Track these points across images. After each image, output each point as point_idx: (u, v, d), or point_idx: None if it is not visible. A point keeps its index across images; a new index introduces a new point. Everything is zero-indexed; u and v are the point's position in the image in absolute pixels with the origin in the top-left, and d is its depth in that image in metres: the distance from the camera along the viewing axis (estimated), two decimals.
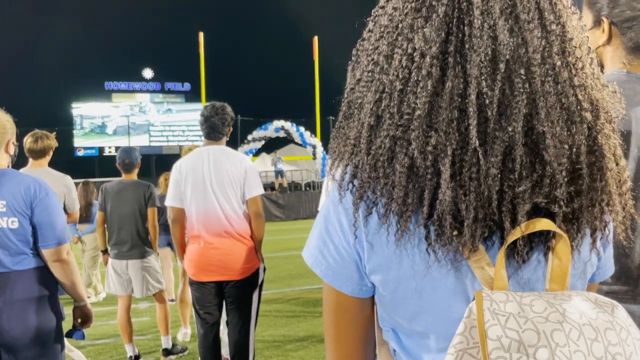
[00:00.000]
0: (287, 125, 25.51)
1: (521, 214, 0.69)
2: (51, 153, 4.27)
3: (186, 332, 5.09)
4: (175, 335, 5.03)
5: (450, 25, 0.71)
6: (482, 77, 0.68)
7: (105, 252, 4.61)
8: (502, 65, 0.68)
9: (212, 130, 3.49)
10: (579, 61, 0.73)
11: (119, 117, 32.71)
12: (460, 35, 0.70)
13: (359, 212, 0.77)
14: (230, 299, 3.47)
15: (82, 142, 32.07)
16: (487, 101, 0.68)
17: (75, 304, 2.53)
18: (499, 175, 0.68)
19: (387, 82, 0.75)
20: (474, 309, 0.67)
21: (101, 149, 32.14)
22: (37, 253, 2.33)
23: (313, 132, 24.33)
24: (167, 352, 4.59)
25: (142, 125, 33.25)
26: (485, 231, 0.70)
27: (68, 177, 4.31)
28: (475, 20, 0.70)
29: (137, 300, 5.75)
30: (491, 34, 0.69)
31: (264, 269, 3.55)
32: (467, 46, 0.70)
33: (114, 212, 4.44)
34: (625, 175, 0.78)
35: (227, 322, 3.56)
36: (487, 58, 0.69)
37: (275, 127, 25.41)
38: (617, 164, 0.76)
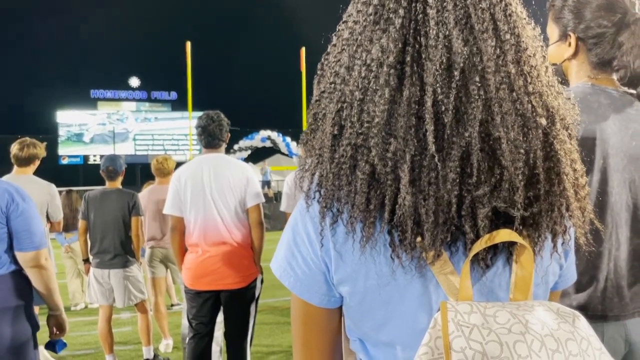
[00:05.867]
0: (274, 135, 25.53)
1: (481, 217, 0.71)
2: (37, 162, 4.24)
3: (168, 343, 5.03)
4: (157, 346, 4.98)
5: (407, 36, 0.73)
6: (438, 85, 0.71)
7: (86, 261, 4.56)
8: (456, 73, 0.71)
9: (211, 139, 3.48)
10: (534, 69, 0.76)
11: (104, 126, 32.49)
12: (416, 46, 0.73)
13: (326, 221, 0.78)
14: (228, 309, 3.44)
15: (67, 150, 31.79)
16: (443, 108, 0.70)
17: (50, 312, 2.47)
18: (458, 180, 0.70)
19: (348, 92, 0.77)
20: (439, 319, 0.68)
21: (86, 157, 31.85)
22: (12, 261, 2.29)
23: (299, 142, 24.30)
24: None
25: (128, 134, 33.04)
26: (447, 236, 0.72)
27: (52, 186, 4.28)
28: (431, 31, 0.72)
29: (119, 310, 5.69)
30: (446, 44, 0.71)
31: (262, 281, 3.53)
32: (423, 56, 0.72)
33: (97, 220, 4.39)
34: (583, 180, 0.81)
35: (224, 335, 3.54)
36: (442, 67, 0.71)
37: (262, 136, 25.42)
38: (573, 169, 0.79)
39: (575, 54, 1.56)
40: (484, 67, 0.71)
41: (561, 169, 0.75)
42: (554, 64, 1.61)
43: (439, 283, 0.75)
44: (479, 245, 0.71)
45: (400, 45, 0.73)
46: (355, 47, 0.78)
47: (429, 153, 0.70)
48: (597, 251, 1.42)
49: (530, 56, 0.76)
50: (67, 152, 31.76)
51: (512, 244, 0.75)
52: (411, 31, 0.73)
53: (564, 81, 1.64)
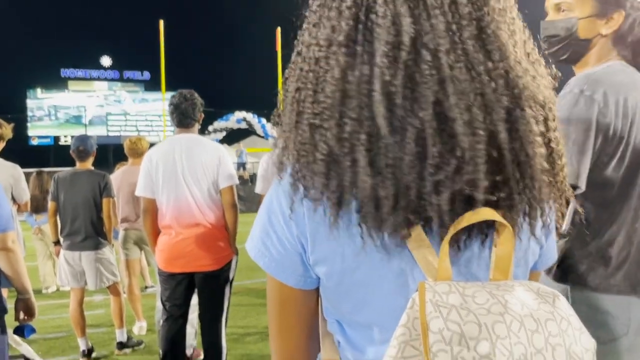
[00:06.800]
0: (249, 116, 25.36)
1: (443, 201, 0.68)
2: (2, 143, 4.12)
3: (142, 326, 4.99)
4: (130, 328, 4.93)
5: (359, 14, 0.72)
6: (385, 66, 0.69)
7: (57, 243, 4.47)
8: (403, 54, 0.68)
9: (183, 117, 3.39)
10: (502, 45, 0.71)
11: (75, 106, 31.82)
12: (369, 24, 0.71)
13: (297, 197, 0.76)
14: (202, 291, 3.40)
15: (37, 131, 31.09)
16: (392, 89, 0.68)
17: (19, 296, 2.39)
18: (414, 163, 0.68)
19: (305, 71, 0.76)
20: (417, 300, 0.66)
21: (56, 138, 31.23)
22: None
23: (275, 124, 24.16)
24: (121, 346, 4.49)
25: (100, 115, 32.43)
26: (412, 217, 0.69)
27: (17, 168, 4.17)
28: (379, 9, 0.70)
29: (91, 293, 5.62)
30: (394, 21, 0.69)
31: (236, 262, 3.49)
32: (373, 35, 0.70)
33: (67, 201, 4.30)
34: (562, 162, 0.77)
35: (199, 317, 3.51)
36: (389, 46, 0.69)
37: (237, 118, 25.23)
38: (550, 151, 0.75)
39: (614, 32, 1.56)
40: (437, 45, 0.69)
41: (530, 150, 0.72)
42: (584, 40, 1.58)
43: (417, 264, 0.73)
44: (458, 225, 0.69)
45: (351, 23, 0.72)
46: (313, 26, 0.77)
47: (381, 135, 0.69)
48: (632, 228, 1.47)
49: (495, 31, 0.72)
50: (37, 132, 31.07)
51: (489, 226, 0.73)
52: (363, 9, 0.72)
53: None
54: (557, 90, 0.81)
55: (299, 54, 0.79)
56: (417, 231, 0.71)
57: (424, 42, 0.69)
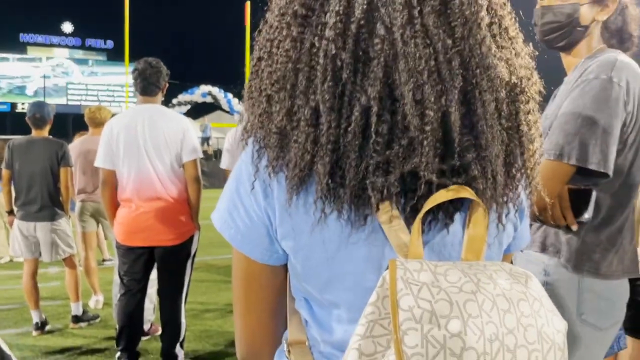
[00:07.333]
0: (215, 90, 24.96)
1: (391, 182, 0.66)
2: None
3: (98, 300, 4.89)
4: (87, 302, 4.82)
5: None
6: (331, 38, 0.66)
7: (10, 213, 4.30)
8: (353, 26, 0.66)
9: (147, 84, 3.27)
10: (468, 23, 0.67)
11: (20, 76, 30.56)
12: None
13: (261, 167, 0.74)
14: (162, 266, 3.33)
15: None
16: (339, 63, 0.66)
17: None
18: (361, 140, 0.66)
19: (265, 40, 0.75)
20: (387, 277, 0.63)
21: (14, 105, 30.14)
22: None
23: (241, 99, 23.98)
24: (77, 319, 4.40)
25: (60, 83, 31.37)
26: (373, 194, 0.67)
27: None
28: None
29: (46, 265, 5.47)
30: None
31: (198, 238, 3.42)
32: (327, 7, 0.68)
33: (22, 170, 4.14)
34: (533, 146, 0.75)
35: (158, 292, 3.44)
36: (338, 17, 0.66)
37: (202, 92, 24.79)
38: (520, 134, 0.72)
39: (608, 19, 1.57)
40: (392, 19, 0.65)
41: (489, 134, 0.68)
42: (583, 27, 1.57)
43: (388, 241, 0.70)
44: (432, 202, 0.66)
45: None
46: None
47: (325, 110, 0.66)
48: (633, 214, 1.50)
49: (461, 6, 0.67)
50: None
51: (457, 205, 0.70)
52: None
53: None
54: (539, 68, 0.78)
55: (265, 22, 0.76)
56: (388, 208, 0.68)
57: (380, 15, 0.66)
